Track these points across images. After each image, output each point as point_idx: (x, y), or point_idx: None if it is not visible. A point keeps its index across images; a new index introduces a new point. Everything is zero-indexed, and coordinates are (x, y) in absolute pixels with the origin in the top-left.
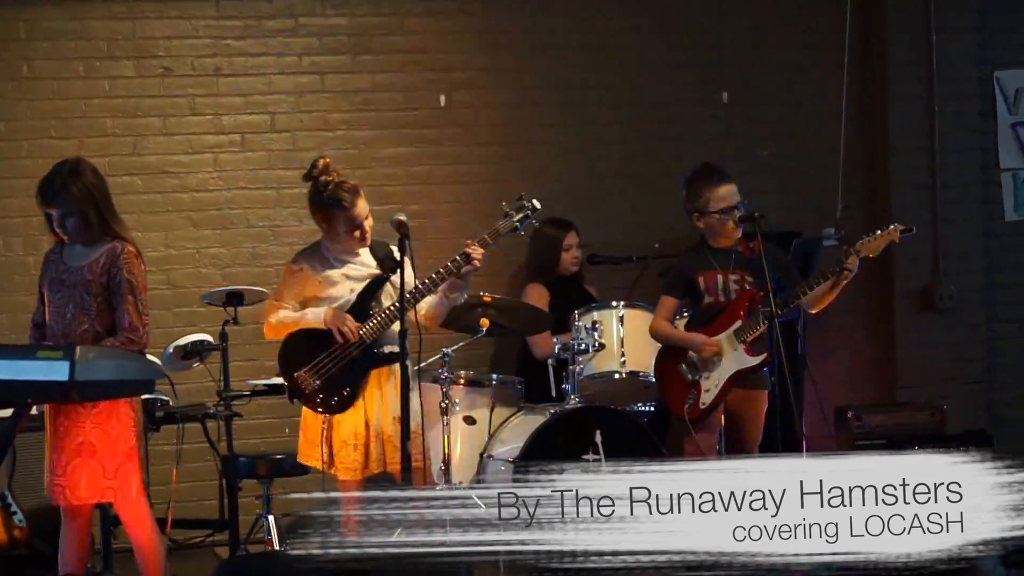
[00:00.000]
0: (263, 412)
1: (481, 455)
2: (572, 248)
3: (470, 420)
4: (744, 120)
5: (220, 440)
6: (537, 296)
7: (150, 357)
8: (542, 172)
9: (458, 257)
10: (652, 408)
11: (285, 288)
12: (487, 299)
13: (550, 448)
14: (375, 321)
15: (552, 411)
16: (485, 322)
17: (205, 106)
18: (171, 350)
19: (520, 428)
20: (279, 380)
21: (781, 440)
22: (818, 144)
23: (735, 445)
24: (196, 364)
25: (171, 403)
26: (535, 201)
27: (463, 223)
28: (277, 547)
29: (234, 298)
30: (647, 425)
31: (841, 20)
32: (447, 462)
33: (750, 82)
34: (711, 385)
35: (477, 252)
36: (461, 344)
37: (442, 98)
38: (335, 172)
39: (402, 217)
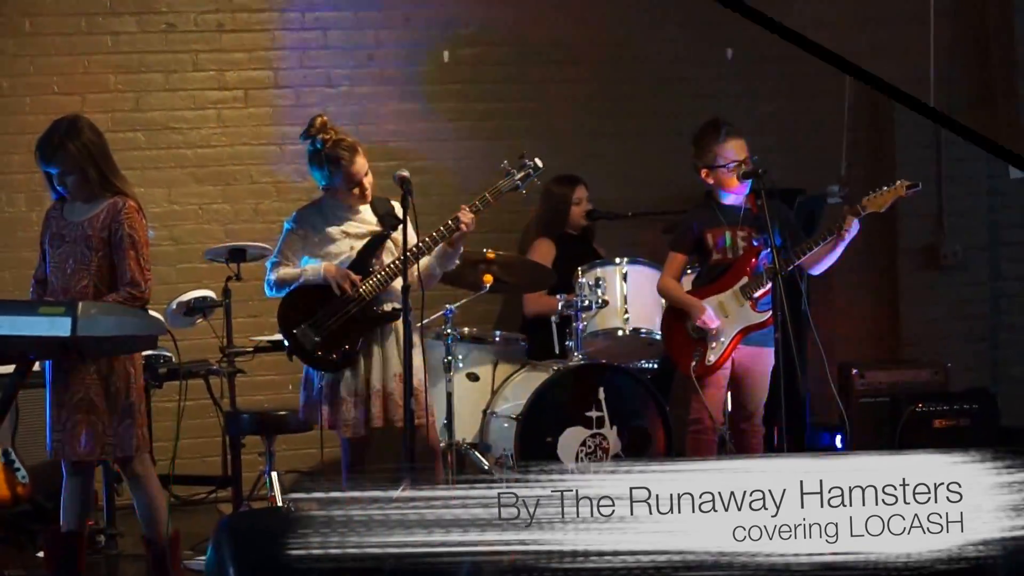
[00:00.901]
0: (266, 369)
1: (484, 412)
2: (583, 202)
3: (473, 377)
4: (747, 77)
5: (223, 397)
6: (544, 251)
7: (153, 313)
8: (545, 129)
9: (450, 222)
10: (655, 365)
11: (285, 246)
12: (490, 255)
13: (553, 405)
14: (376, 278)
15: (555, 368)
16: (488, 278)
17: (208, 62)
18: (174, 306)
19: (523, 385)
20: (281, 336)
21: (784, 397)
22: (822, 101)
23: (740, 402)
24: (199, 320)
25: (174, 359)
26: (537, 160)
27: (466, 180)
28: (280, 503)
29: (237, 254)
30: (650, 382)
31: None
32: (450, 418)
33: (753, 38)
34: (718, 342)
35: (467, 216)
36: (464, 301)
37: (445, 54)
38: (333, 130)
39: (404, 173)
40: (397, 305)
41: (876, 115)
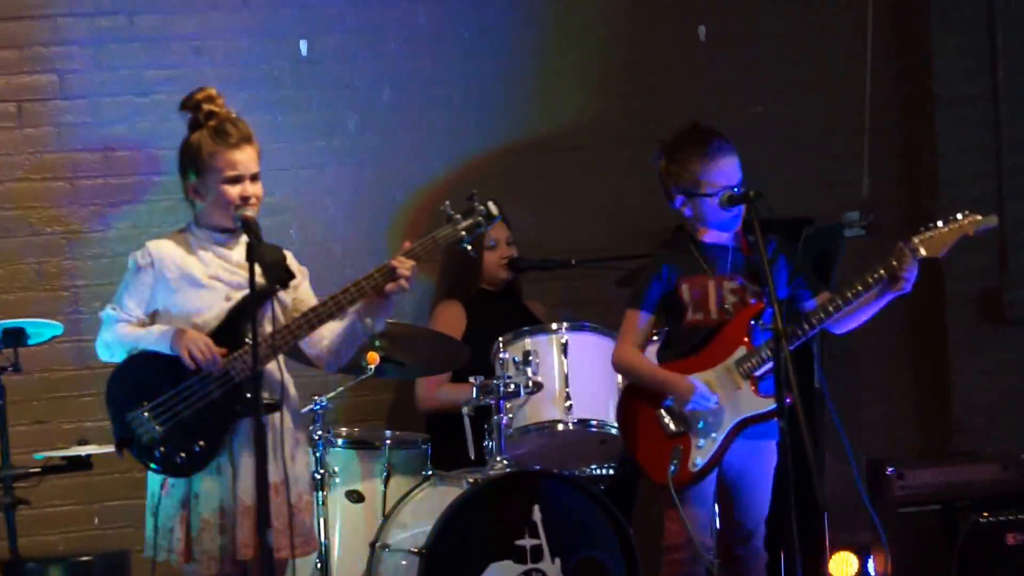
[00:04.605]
0: (61, 496)
1: (373, 544)
2: (500, 245)
3: (356, 496)
4: (729, 64)
5: (0, 539)
6: (450, 318)
7: None
8: (446, 146)
9: (376, 273)
10: (612, 471)
11: (129, 291)
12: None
13: (471, 532)
14: (250, 351)
15: (471, 480)
16: (374, 357)
17: None
18: None
19: (427, 505)
20: (83, 450)
21: (795, 508)
22: (833, 96)
23: (734, 518)
24: None
25: None
26: (491, 204)
27: (337, 221)
28: None
29: (13, 336)
30: (606, 494)
31: None
32: (324, 556)
33: (736, 11)
34: (706, 439)
35: (405, 265)
36: (341, 389)
37: (302, 44)
38: (224, 106)
39: (248, 213)
40: (277, 395)
41: (910, 113)
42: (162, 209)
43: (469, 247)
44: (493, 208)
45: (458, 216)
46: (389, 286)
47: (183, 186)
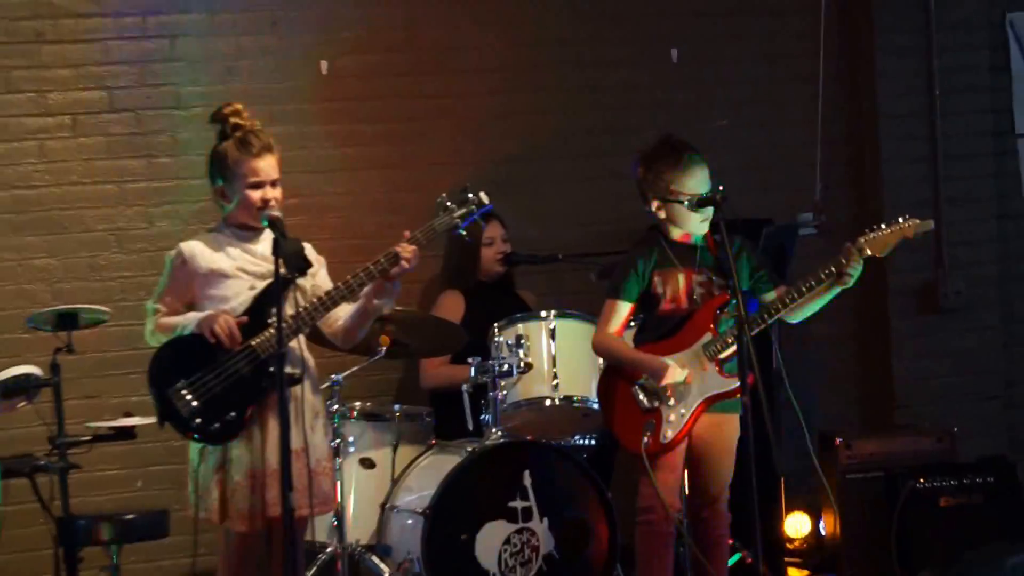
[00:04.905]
0: (108, 462)
1: (382, 506)
2: (495, 242)
3: (368, 463)
4: (696, 82)
5: (54, 499)
6: (451, 306)
7: None
8: (447, 153)
9: (382, 259)
10: (593, 441)
11: (166, 286)
12: (386, 312)
13: (468, 495)
14: (272, 331)
15: (469, 449)
16: (385, 340)
17: (25, 81)
18: None
19: (430, 471)
20: (128, 421)
21: (756, 474)
22: (789, 110)
23: (701, 484)
24: (22, 404)
25: None
26: (482, 195)
27: (353, 219)
28: None
29: (68, 320)
30: (588, 462)
31: None
32: (340, 516)
33: (704, 36)
34: (676, 414)
35: (407, 251)
36: (355, 369)
37: (323, 64)
38: (249, 119)
39: (275, 214)
40: (298, 369)
41: (857, 126)
42: (197, 210)
43: (464, 233)
44: (484, 198)
45: (453, 206)
46: (394, 269)
47: (212, 190)
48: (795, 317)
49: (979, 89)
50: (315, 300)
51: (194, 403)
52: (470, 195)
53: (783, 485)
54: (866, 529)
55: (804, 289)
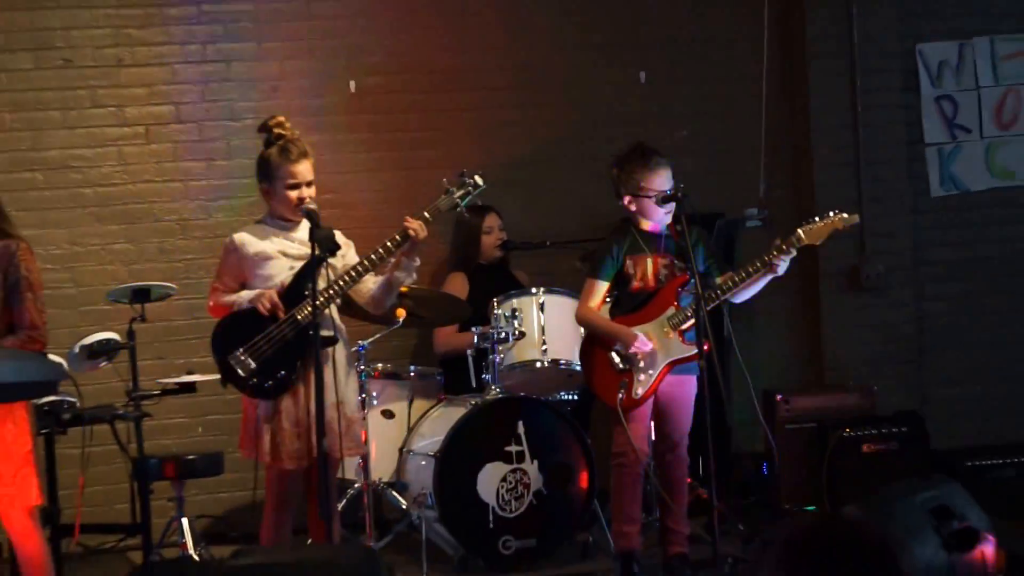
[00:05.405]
0: (173, 412)
1: (401, 450)
2: (493, 231)
3: (388, 414)
4: (662, 99)
5: (130, 442)
6: (457, 285)
7: (52, 357)
8: (456, 158)
9: (396, 235)
10: (575, 396)
11: (222, 269)
12: (403, 289)
13: (472, 440)
14: (310, 302)
15: (473, 402)
16: (401, 313)
17: (107, 98)
18: (77, 350)
19: (440, 421)
20: (190, 378)
21: (710, 425)
22: (738, 122)
23: (665, 432)
24: (103, 364)
25: (78, 404)
26: (478, 177)
27: (377, 211)
28: (191, 550)
29: (141, 295)
30: (570, 414)
31: None
32: (366, 458)
33: (668, 61)
34: (645, 375)
35: (414, 223)
36: (377, 336)
37: (351, 83)
38: (290, 129)
39: (312, 206)
40: (331, 332)
41: (793, 136)
42: (247, 204)
43: (465, 212)
44: (479, 179)
45: (453, 188)
46: (407, 244)
47: (258, 188)
48: (738, 298)
49: (894, 106)
50: (344, 275)
51: (251, 365)
52: (466, 178)
53: (733, 434)
54: (802, 470)
55: (742, 275)
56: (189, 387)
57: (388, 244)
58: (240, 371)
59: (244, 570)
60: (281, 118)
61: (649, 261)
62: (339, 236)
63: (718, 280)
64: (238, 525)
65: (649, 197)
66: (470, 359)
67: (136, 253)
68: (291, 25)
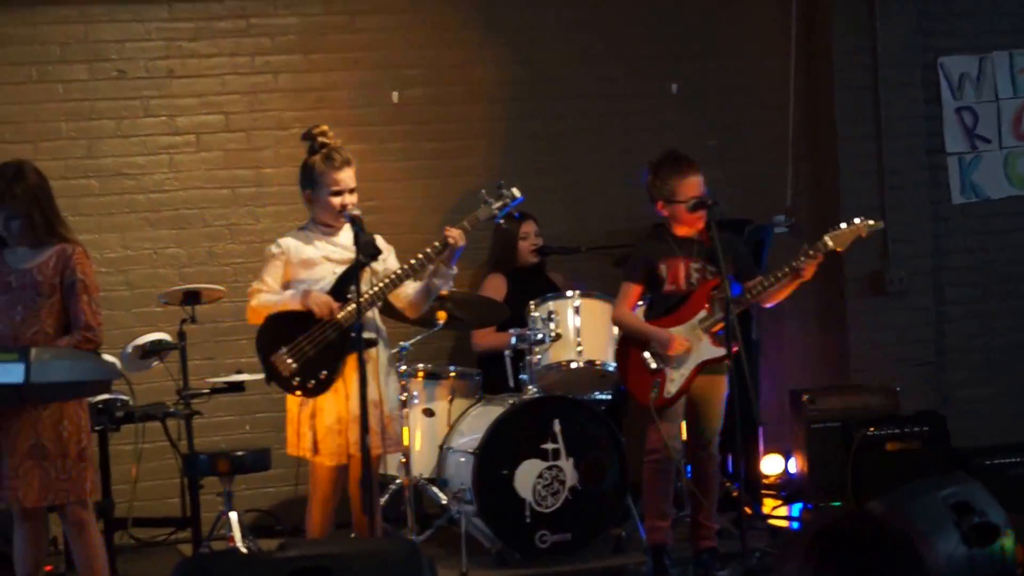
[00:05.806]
0: (223, 410)
1: (441, 447)
2: (530, 237)
3: (429, 412)
4: (692, 111)
5: (181, 439)
6: (495, 287)
7: (106, 357)
8: (493, 167)
9: (436, 243)
10: (609, 396)
11: (267, 271)
12: (444, 293)
13: (509, 438)
14: (352, 305)
15: (511, 401)
16: (442, 315)
17: (159, 107)
18: (130, 350)
19: (479, 419)
20: (238, 377)
21: (739, 423)
22: (766, 133)
23: (697, 430)
24: (155, 363)
25: (131, 403)
26: (515, 190)
27: (417, 218)
28: (239, 543)
29: (191, 297)
30: (605, 413)
31: (786, 10)
32: (407, 455)
33: (698, 73)
34: (677, 374)
35: (453, 232)
36: (419, 338)
37: (395, 95)
38: (333, 138)
39: (356, 212)
40: (373, 334)
41: (819, 146)
42: (292, 210)
43: (502, 221)
44: (516, 192)
45: (491, 199)
46: (446, 251)
47: (301, 195)
48: (767, 303)
49: (916, 117)
50: (385, 279)
51: (294, 365)
52: (503, 190)
53: (761, 432)
54: (827, 468)
55: (771, 280)
56: (237, 386)
57: (428, 251)
58: (283, 370)
59: (290, 561)
60: (324, 127)
61: (681, 265)
62: (380, 241)
63: (747, 284)
64: (284, 519)
65: (681, 203)
66: (507, 360)
67: (186, 257)
68: (336, 38)
